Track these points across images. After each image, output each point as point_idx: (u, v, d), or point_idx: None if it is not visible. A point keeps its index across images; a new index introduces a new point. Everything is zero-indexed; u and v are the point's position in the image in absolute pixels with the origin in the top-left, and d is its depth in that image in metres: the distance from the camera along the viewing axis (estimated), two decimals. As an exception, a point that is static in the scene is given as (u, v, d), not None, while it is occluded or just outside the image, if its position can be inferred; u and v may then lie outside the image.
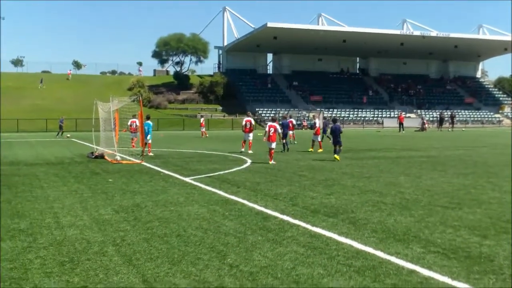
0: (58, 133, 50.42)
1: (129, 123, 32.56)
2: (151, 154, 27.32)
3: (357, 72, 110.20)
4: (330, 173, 18.36)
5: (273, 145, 22.68)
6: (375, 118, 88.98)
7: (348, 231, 9.55)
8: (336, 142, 23.73)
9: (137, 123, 32.99)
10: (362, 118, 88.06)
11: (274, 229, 9.70)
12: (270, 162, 22.07)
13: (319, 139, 30.10)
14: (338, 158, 23.19)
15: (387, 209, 11.59)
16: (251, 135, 29.82)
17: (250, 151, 28.45)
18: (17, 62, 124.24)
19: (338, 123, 24.72)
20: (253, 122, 30.83)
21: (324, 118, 34.01)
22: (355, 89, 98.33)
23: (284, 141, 29.17)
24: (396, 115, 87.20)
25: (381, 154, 27.69)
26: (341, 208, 11.69)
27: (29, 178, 17.44)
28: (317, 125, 31.24)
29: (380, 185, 15.38)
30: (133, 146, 31.80)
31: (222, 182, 15.99)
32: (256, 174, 18.15)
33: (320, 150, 28.54)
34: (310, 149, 28.99)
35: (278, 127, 23.36)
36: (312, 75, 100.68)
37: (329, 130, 26.08)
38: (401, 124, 63.41)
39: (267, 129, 22.98)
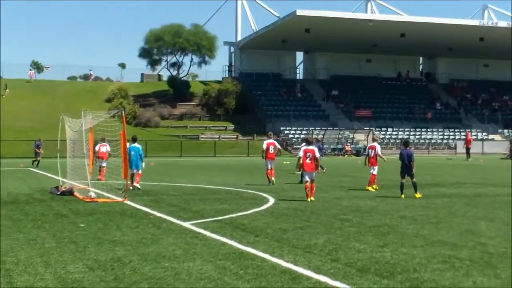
0: (34, 162, 50.17)
1: (96, 148, 32.83)
2: (137, 185, 27.46)
3: (420, 77, 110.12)
4: (384, 217, 18.28)
5: (313, 175, 22.92)
6: (444, 141, 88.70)
7: (409, 297, 9.49)
8: (407, 172, 24.03)
9: (108, 148, 33.60)
10: (427, 141, 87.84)
11: (306, 294, 9.66)
12: (309, 199, 22.45)
13: (374, 172, 28.05)
14: (419, 196, 23.74)
15: (463, 267, 11.49)
16: (273, 162, 30.64)
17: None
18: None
19: (409, 148, 25.09)
20: (277, 145, 31.29)
21: (317, 140, 32.64)
22: (417, 101, 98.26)
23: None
24: (475, 136, 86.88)
25: (453, 190, 27.52)
26: (399, 265, 11.62)
27: (-29, 221, 17.54)
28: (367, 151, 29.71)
29: (453, 233, 15.27)
30: (101, 178, 32.22)
31: (235, 229, 15.98)
32: (281, 218, 18.11)
33: (374, 187, 27.87)
34: (369, 187, 27.82)
35: (317, 151, 23.37)
36: (358, 81, 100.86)
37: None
38: (467, 149, 63.97)
39: (301, 154, 23.13)
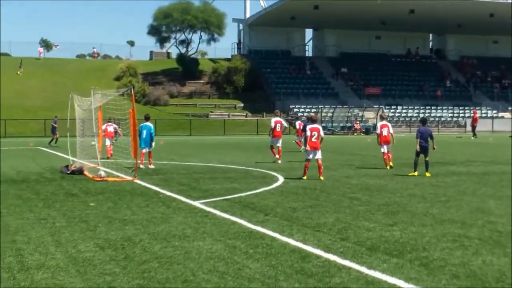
0: (52, 141, 48.99)
1: (104, 127, 32.94)
2: (152, 166, 27.69)
3: (430, 54, 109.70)
4: (393, 196, 18.33)
5: (317, 155, 22.95)
6: (454, 119, 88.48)
7: (419, 276, 9.53)
8: (425, 150, 24.14)
9: (114, 127, 34.15)
10: (437, 119, 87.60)
11: (316, 273, 9.73)
12: (321, 178, 22.61)
13: (385, 150, 27.92)
14: (429, 175, 23.85)
15: (472, 245, 11.54)
16: (280, 140, 31.15)
17: (279, 161, 30.17)
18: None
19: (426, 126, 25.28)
20: (284, 123, 31.91)
21: (302, 118, 32.21)
22: (426, 78, 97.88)
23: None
24: (484, 114, 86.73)
25: (462, 169, 27.54)
26: (409, 244, 11.67)
27: (-18, 200, 17.64)
28: (378, 129, 28.75)
29: (463, 212, 15.32)
30: (110, 154, 32.63)
31: (244, 208, 16.07)
32: (290, 197, 18.18)
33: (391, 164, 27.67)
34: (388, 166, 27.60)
35: (321, 130, 23.50)
36: (367, 58, 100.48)
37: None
38: (473, 127, 63.90)
39: (308, 133, 23.14)
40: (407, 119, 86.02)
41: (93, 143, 29.80)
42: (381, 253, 10.96)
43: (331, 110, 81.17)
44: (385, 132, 27.84)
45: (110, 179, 23.00)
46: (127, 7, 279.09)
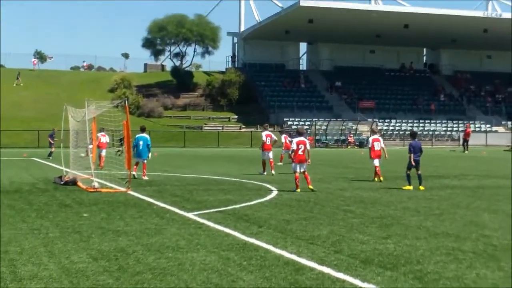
0: (50, 154, 47.02)
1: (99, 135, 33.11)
2: (145, 178, 27.67)
3: (424, 68, 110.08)
4: (387, 209, 18.31)
5: (304, 167, 23.07)
6: (448, 133, 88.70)
7: (413, 289, 9.50)
8: (417, 164, 24.14)
9: (107, 138, 34.39)
10: (431, 132, 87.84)
11: (310, 285, 9.68)
12: (310, 187, 22.73)
13: (377, 164, 28.09)
14: (423, 188, 23.76)
15: (466, 259, 11.51)
16: (271, 153, 31.61)
17: (273, 172, 30.85)
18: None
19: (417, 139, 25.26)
20: (274, 136, 32.50)
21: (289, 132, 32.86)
22: (420, 92, 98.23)
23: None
24: (478, 128, 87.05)
25: (456, 182, 27.55)
26: (403, 257, 11.65)
27: (-25, 211, 17.58)
28: (369, 144, 29.24)
29: (456, 225, 15.29)
30: (101, 165, 32.64)
31: (238, 220, 16.02)
32: (284, 209, 18.15)
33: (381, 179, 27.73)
34: (376, 179, 27.71)
35: (308, 143, 23.59)
36: (361, 72, 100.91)
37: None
38: (465, 141, 63.50)
39: (294, 146, 23.15)
40: (400, 132, 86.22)
41: (82, 154, 29.81)
42: (375, 266, 10.93)
43: (325, 123, 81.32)
44: (377, 147, 28.09)
45: (103, 190, 22.95)
46: (121, 20, 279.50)
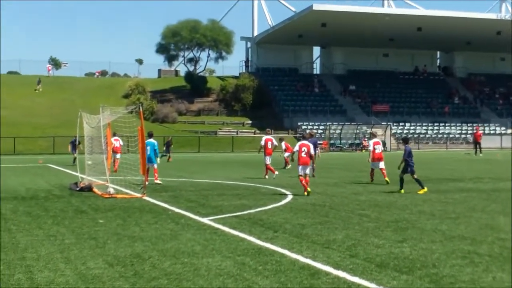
0: (75, 160, 47.14)
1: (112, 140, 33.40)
2: (158, 181, 27.71)
3: (438, 71, 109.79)
4: (402, 212, 18.26)
5: (307, 171, 23.59)
6: (462, 136, 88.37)
7: (429, 293, 9.47)
8: (412, 168, 24.01)
9: (120, 142, 35.29)
10: (445, 136, 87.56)
11: (325, 289, 9.66)
12: (305, 193, 22.93)
13: (382, 166, 28.91)
14: (426, 190, 23.65)
15: (482, 262, 11.48)
16: (270, 158, 32.33)
17: (276, 173, 31.56)
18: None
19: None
20: (274, 141, 33.35)
21: (311, 135, 33.74)
22: (434, 95, 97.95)
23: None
24: (492, 131, 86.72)
25: (472, 185, 27.44)
26: (418, 260, 11.61)
27: (-9, 218, 17.65)
28: (370, 147, 29.77)
29: (472, 229, 15.24)
30: (115, 169, 33.32)
31: (254, 224, 16.02)
32: (299, 213, 18.13)
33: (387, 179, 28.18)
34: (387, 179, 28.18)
35: (312, 146, 24.03)
36: (375, 76, 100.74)
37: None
38: (477, 143, 62.92)
39: (296, 148, 23.69)
40: (415, 135, 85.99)
41: (89, 162, 29.83)
42: (391, 269, 10.91)
43: (339, 127, 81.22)
44: (378, 149, 28.88)
45: (119, 196, 23.00)
46: (135, 26, 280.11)
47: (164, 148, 51.63)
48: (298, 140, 44.19)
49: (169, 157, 50.31)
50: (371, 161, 29.00)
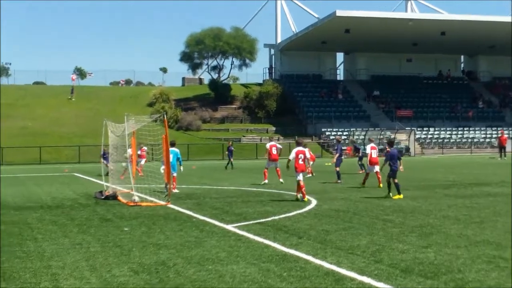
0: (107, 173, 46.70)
1: (139, 152, 33.95)
2: (176, 191, 27.71)
3: (462, 75, 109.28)
4: (427, 218, 18.18)
5: (300, 177, 23.64)
6: (487, 140, 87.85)
7: (454, 298, 9.43)
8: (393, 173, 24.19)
9: (146, 150, 36.21)
10: (470, 140, 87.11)
11: (350, 295, 9.64)
12: (305, 199, 23.35)
13: (377, 169, 29.82)
14: (401, 197, 23.78)
15: (507, 267, 11.39)
16: (278, 163, 33.10)
17: (281, 180, 31.99)
18: (1, 71, 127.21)
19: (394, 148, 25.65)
20: (279, 146, 34.19)
21: (338, 141, 34.90)
22: (458, 100, 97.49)
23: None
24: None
25: (497, 189, 27.26)
26: (443, 266, 11.55)
27: (18, 226, 17.76)
28: (367, 150, 31.14)
29: (498, 233, 15.14)
30: (140, 173, 34.37)
31: (278, 231, 16.00)
32: (323, 220, 18.10)
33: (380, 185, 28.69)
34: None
35: (307, 152, 24.61)
36: (398, 81, 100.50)
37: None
38: (502, 147, 62.54)
39: (292, 156, 23.91)
40: (439, 140, 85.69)
41: (123, 164, 29.99)
42: (416, 275, 10.86)
43: (363, 133, 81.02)
44: (374, 154, 30.09)
45: (143, 204, 23.07)
46: (159, 34, 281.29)
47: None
48: (322, 147, 44.31)
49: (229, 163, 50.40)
50: (368, 165, 30.38)
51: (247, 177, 39.10)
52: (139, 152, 36.44)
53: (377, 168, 29.65)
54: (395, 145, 79.57)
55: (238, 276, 10.97)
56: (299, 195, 23.57)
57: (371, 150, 30.16)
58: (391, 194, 24.01)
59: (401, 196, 23.74)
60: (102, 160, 48.15)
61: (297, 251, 13.19)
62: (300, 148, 24.11)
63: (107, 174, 45.47)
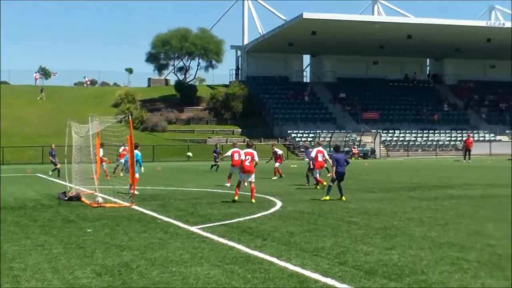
0: (55, 170, 45.14)
1: (120, 150, 33.94)
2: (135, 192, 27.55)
3: (427, 78, 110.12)
4: (391, 220, 18.27)
5: (251, 177, 24.36)
6: (452, 143, 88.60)
7: (417, 300, 9.48)
8: (342, 176, 24.42)
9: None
10: (435, 143, 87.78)
11: (314, 297, 9.65)
12: (253, 201, 23.57)
13: (316, 174, 30.11)
14: (344, 199, 24.03)
15: (471, 269, 11.48)
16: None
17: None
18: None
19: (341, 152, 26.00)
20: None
21: (319, 143, 35.07)
22: (424, 103, 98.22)
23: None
24: (482, 137, 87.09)
25: (461, 192, 27.48)
26: (407, 267, 11.61)
27: (-21, 228, 17.58)
28: (312, 154, 30.88)
29: (461, 235, 15.26)
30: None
31: (242, 233, 15.99)
32: (288, 221, 18.11)
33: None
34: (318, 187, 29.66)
35: (255, 154, 24.72)
36: (365, 83, 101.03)
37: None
38: (467, 150, 63.78)
39: (242, 157, 24.53)
40: (405, 143, 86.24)
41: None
42: (380, 277, 10.90)
43: (329, 135, 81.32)
44: (320, 158, 29.91)
45: (107, 205, 22.94)
46: (125, 34, 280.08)
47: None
48: (288, 148, 44.26)
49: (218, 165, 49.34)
50: (315, 168, 30.05)
51: (212, 178, 39.04)
52: (120, 151, 37.13)
53: (317, 173, 29.91)
54: (361, 147, 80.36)
55: (202, 278, 10.94)
56: (253, 200, 23.72)
57: (317, 153, 30.01)
58: (328, 197, 24.12)
59: (328, 198, 23.93)
60: (49, 157, 48.17)
61: (261, 253, 13.19)
62: (249, 150, 24.52)
63: (53, 170, 45.30)
